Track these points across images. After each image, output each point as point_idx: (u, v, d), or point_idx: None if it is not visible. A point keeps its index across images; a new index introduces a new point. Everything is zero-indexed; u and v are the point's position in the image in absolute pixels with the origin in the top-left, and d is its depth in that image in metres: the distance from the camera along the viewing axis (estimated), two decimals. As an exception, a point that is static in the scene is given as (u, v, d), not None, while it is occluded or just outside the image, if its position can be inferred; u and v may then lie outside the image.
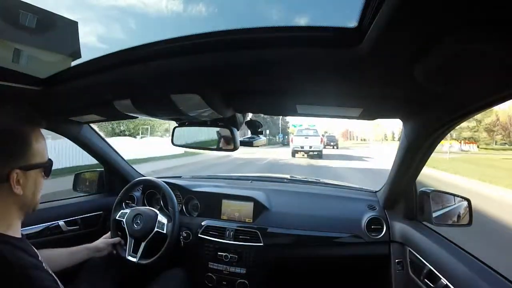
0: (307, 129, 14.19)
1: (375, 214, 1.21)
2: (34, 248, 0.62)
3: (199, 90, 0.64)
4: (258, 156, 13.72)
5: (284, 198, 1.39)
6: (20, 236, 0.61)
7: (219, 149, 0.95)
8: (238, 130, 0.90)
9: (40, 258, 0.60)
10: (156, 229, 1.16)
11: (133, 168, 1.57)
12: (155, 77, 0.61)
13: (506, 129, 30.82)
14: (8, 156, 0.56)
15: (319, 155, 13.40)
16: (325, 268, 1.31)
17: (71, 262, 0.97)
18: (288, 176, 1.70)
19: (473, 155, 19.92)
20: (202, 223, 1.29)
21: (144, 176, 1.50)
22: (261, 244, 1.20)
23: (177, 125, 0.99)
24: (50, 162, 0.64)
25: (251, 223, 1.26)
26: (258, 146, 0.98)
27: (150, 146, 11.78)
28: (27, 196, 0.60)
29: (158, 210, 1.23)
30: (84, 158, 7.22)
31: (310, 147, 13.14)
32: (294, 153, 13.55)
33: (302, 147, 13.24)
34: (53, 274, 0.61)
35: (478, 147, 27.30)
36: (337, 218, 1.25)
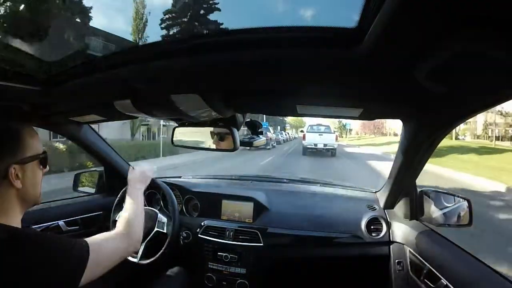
0: (319, 124, 12.87)
1: (375, 214, 1.21)
2: None
3: (199, 90, 0.64)
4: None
5: (284, 198, 1.39)
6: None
7: (219, 149, 0.95)
8: (238, 130, 0.90)
9: None
10: (156, 229, 1.16)
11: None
12: (155, 77, 0.61)
13: None
14: (4, 153, 0.58)
15: (332, 153, 12.05)
16: (325, 268, 1.31)
17: None
18: (288, 176, 1.70)
19: None
20: (202, 223, 1.29)
21: None
22: (261, 244, 1.20)
23: (177, 125, 0.99)
24: (44, 153, 0.66)
25: (251, 223, 1.26)
26: (258, 146, 0.99)
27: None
28: (28, 189, 0.62)
29: (158, 210, 1.23)
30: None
31: (325, 145, 11.77)
32: (305, 150, 12.33)
33: (315, 145, 11.84)
34: None
35: None
36: (337, 218, 1.25)
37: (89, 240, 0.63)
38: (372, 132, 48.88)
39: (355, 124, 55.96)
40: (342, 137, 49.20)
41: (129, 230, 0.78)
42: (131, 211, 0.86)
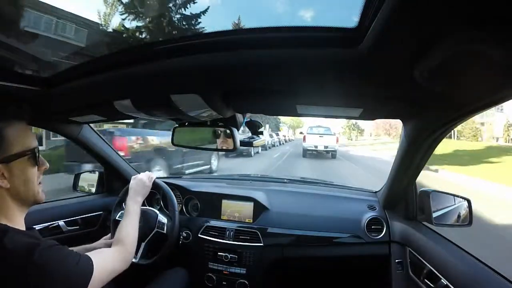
0: (319, 126, 12.51)
1: (375, 214, 1.21)
2: None
3: (199, 90, 0.64)
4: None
5: (284, 198, 1.39)
6: (24, 229, 0.61)
7: (219, 149, 0.95)
8: (238, 130, 0.90)
9: None
10: (156, 229, 1.16)
11: (133, 168, 1.57)
12: (155, 77, 0.61)
13: None
14: None
15: (333, 156, 11.77)
16: (325, 268, 1.31)
17: None
18: (288, 177, 1.70)
19: None
20: (202, 223, 1.29)
21: None
22: (261, 244, 1.20)
23: (177, 125, 0.99)
24: (32, 150, 0.62)
25: (251, 223, 1.26)
26: (258, 146, 0.99)
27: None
28: (18, 187, 0.59)
29: (158, 210, 1.23)
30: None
31: (326, 147, 11.50)
32: (305, 152, 12.00)
33: (316, 147, 11.59)
34: None
35: None
36: (337, 218, 1.25)
37: (92, 256, 0.64)
38: (387, 133, 42.23)
39: (367, 124, 46.30)
40: (350, 139, 41.95)
41: (126, 245, 0.83)
42: (129, 228, 0.91)
